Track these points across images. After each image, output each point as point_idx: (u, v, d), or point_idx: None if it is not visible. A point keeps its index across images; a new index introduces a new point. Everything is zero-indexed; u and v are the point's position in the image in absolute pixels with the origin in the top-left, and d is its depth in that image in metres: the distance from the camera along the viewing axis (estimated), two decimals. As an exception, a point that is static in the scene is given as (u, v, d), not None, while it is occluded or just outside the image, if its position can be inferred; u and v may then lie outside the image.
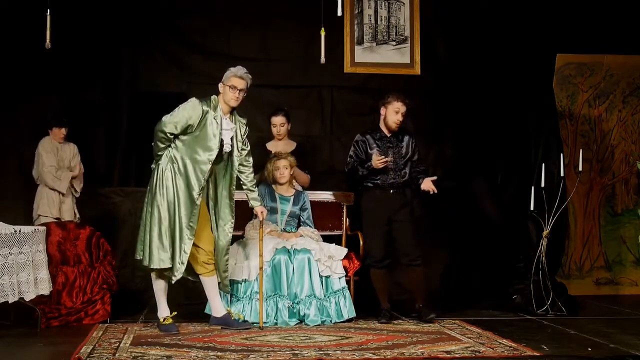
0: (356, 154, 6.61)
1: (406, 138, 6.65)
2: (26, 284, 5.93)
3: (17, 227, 5.98)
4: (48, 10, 6.17)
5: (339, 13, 6.39)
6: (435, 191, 6.44)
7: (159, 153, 6.03)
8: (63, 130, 7.10)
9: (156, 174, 6.02)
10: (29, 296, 5.96)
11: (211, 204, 6.14)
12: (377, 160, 6.39)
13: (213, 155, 5.99)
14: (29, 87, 7.59)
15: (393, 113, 6.52)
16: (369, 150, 6.57)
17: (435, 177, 6.52)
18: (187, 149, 5.97)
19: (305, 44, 7.95)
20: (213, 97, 6.08)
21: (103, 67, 7.81)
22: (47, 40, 6.19)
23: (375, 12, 8.21)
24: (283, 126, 7.22)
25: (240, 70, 6.05)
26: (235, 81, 6.01)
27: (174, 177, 5.95)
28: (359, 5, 8.19)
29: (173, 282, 5.98)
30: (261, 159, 6.96)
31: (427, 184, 6.47)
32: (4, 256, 5.85)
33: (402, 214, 6.55)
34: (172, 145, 6.00)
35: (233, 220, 6.16)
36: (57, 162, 7.05)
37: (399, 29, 8.23)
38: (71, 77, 7.65)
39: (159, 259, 5.90)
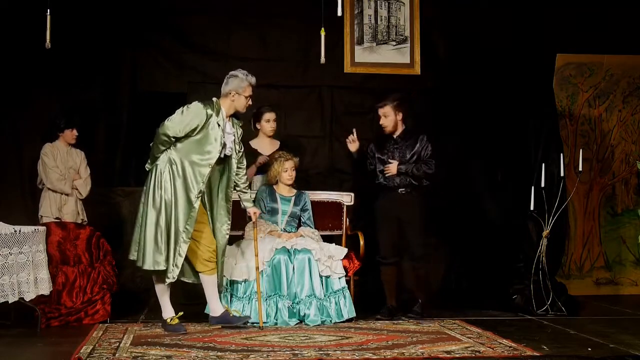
0: (369, 157, 6.85)
1: (416, 138, 6.76)
2: (26, 284, 5.93)
3: (17, 227, 5.98)
4: (48, 10, 6.17)
5: (339, 13, 6.39)
6: (389, 172, 6.65)
7: (157, 155, 5.97)
8: (75, 132, 7.04)
9: (154, 175, 5.95)
10: (29, 296, 5.96)
11: (207, 206, 6.09)
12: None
13: (214, 159, 5.93)
14: (29, 87, 7.58)
15: (380, 118, 6.78)
16: (376, 154, 6.81)
17: (395, 163, 6.66)
18: (186, 152, 5.91)
19: (305, 44, 7.95)
20: (214, 100, 6.04)
21: (103, 67, 7.81)
22: (47, 40, 6.18)
23: (375, 12, 8.21)
24: (275, 122, 7.20)
25: (252, 77, 6.07)
26: (251, 90, 6.06)
27: (172, 178, 5.89)
28: (359, 5, 8.18)
29: (166, 283, 5.95)
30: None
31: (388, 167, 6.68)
32: (4, 256, 5.85)
33: (410, 213, 6.68)
34: (171, 147, 5.96)
35: (229, 222, 6.14)
36: (64, 167, 6.98)
37: (399, 29, 8.23)
38: (71, 77, 7.65)
39: (154, 260, 5.85)
